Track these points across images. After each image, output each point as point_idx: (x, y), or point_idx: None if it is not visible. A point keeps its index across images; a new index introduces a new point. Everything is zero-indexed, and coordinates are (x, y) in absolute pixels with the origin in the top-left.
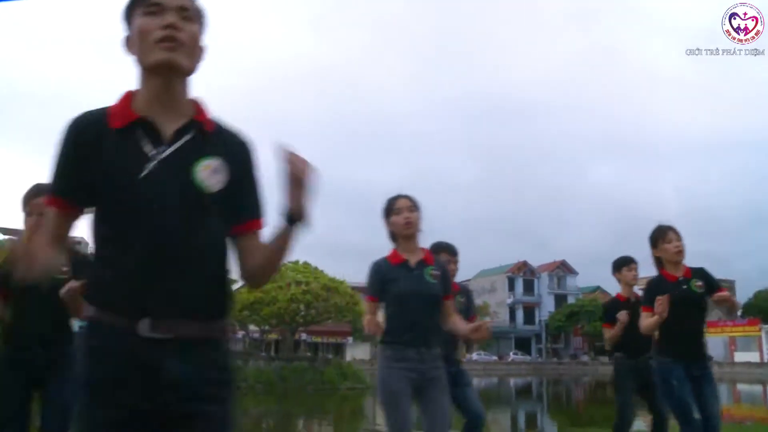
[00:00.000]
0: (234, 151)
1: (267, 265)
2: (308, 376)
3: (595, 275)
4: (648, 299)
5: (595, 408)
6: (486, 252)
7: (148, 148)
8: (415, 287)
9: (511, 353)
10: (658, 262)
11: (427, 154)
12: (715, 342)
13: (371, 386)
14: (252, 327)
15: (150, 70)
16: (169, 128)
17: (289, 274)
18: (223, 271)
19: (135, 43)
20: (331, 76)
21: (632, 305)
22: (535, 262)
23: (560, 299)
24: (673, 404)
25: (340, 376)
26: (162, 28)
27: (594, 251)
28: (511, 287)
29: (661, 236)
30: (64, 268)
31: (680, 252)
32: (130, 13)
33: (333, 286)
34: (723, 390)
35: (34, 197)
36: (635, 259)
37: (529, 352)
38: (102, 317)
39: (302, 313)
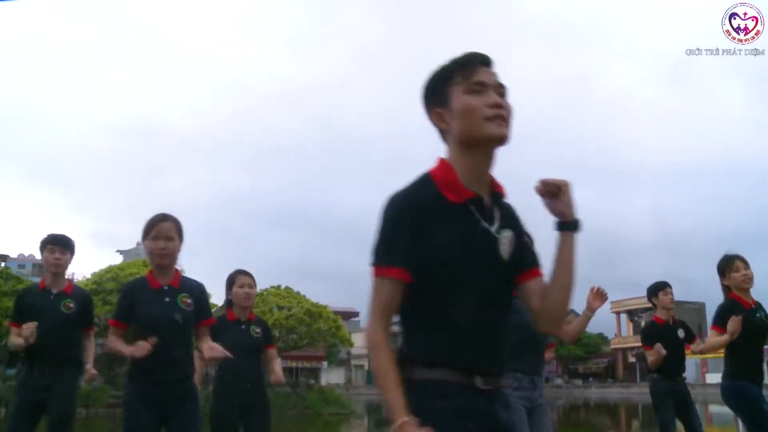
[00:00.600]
0: (511, 215)
1: (560, 288)
2: (291, 402)
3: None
4: (720, 320)
5: (571, 430)
6: None
7: (485, 225)
8: None
9: None
10: (726, 290)
11: (404, 176)
12: (687, 363)
13: (354, 411)
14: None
15: (478, 144)
16: (486, 201)
17: (271, 299)
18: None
19: (456, 118)
20: (307, 97)
21: (670, 328)
22: None
23: None
24: (758, 421)
25: (323, 401)
26: (490, 107)
27: None
28: None
29: (729, 266)
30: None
31: (748, 280)
32: (441, 90)
33: (316, 311)
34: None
35: (161, 222)
36: (669, 283)
37: None
38: (445, 377)
39: (283, 338)
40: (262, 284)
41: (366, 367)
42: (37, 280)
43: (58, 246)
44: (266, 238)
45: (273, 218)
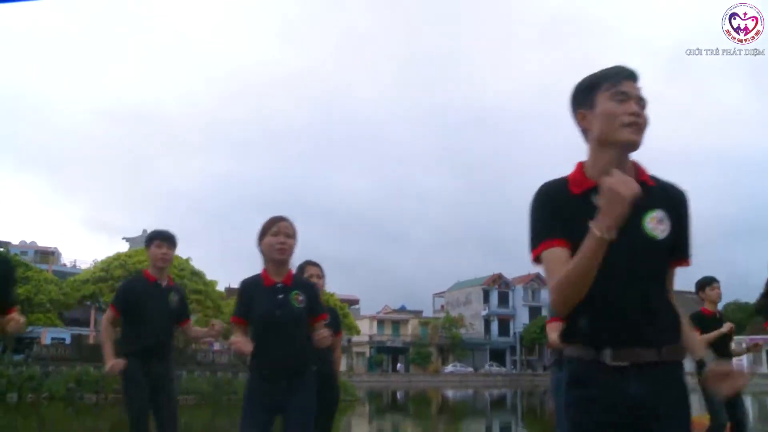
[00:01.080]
0: (673, 203)
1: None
2: None
3: None
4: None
5: None
6: (461, 264)
7: None
8: None
9: (486, 365)
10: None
11: (402, 164)
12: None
13: (359, 398)
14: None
15: (612, 146)
16: None
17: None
18: (664, 302)
19: (598, 120)
20: (304, 84)
21: (716, 320)
22: (509, 274)
23: (535, 311)
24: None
25: None
26: (629, 115)
27: None
28: (486, 299)
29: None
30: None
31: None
32: (589, 94)
33: (323, 300)
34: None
35: (281, 221)
36: (717, 278)
37: (503, 364)
38: (580, 353)
39: None
40: None
41: (367, 354)
42: (40, 267)
43: (165, 242)
44: (259, 224)
45: (268, 205)
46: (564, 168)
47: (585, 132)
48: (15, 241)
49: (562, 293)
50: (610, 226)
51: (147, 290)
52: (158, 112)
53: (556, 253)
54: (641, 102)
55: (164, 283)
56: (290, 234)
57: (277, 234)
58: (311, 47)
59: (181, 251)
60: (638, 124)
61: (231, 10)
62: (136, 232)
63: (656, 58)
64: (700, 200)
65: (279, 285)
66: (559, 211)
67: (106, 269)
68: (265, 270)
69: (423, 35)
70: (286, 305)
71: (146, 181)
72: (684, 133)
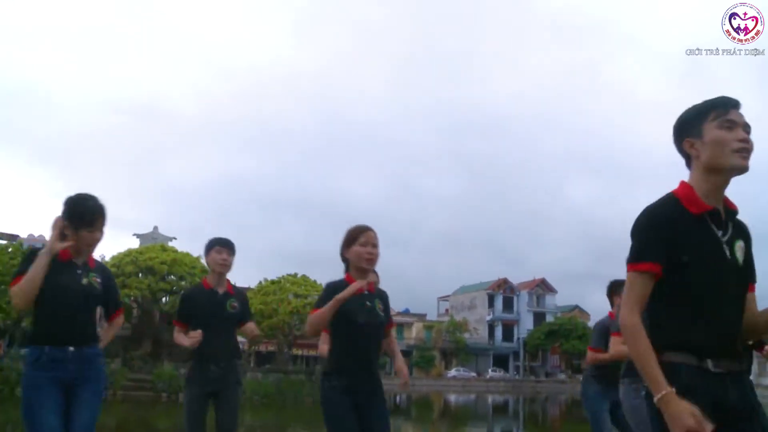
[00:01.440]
0: (742, 229)
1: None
2: (306, 389)
3: (573, 293)
4: None
5: (573, 426)
6: (466, 268)
7: (719, 234)
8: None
9: (489, 370)
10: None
11: (406, 165)
12: None
13: None
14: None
15: (721, 171)
16: (722, 215)
17: (288, 287)
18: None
19: (707, 148)
20: (310, 81)
21: None
22: (515, 279)
23: (539, 317)
24: None
25: None
26: (739, 141)
27: (571, 269)
28: (491, 304)
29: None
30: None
31: None
32: (696, 124)
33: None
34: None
35: (368, 230)
36: None
37: (506, 369)
38: (685, 360)
39: (298, 326)
40: (276, 273)
41: None
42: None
43: (226, 247)
44: (268, 222)
45: (276, 203)
46: (569, 174)
47: (690, 159)
48: (24, 235)
49: (627, 339)
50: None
51: (205, 298)
52: (169, 108)
53: (645, 279)
54: (747, 129)
55: (221, 290)
56: (376, 244)
57: (365, 244)
58: (321, 47)
59: (191, 248)
60: (747, 150)
61: (243, 6)
62: (146, 229)
63: (667, 61)
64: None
65: (365, 292)
66: (673, 230)
67: (117, 265)
68: (349, 276)
69: (428, 36)
70: (373, 312)
71: (156, 176)
72: None
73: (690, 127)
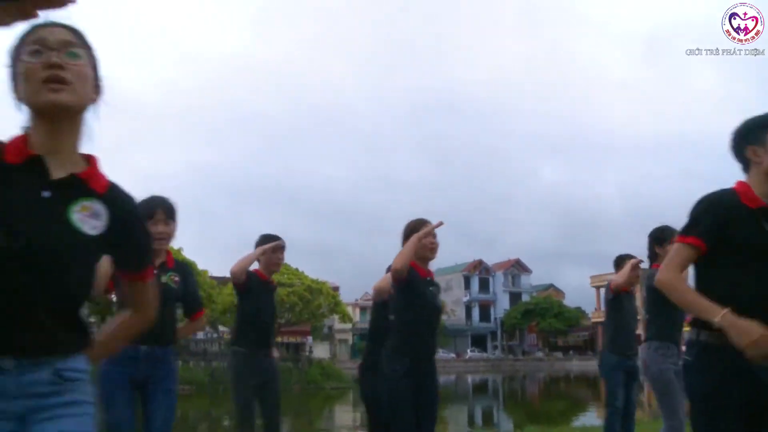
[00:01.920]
0: None
1: None
2: (294, 376)
3: (547, 272)
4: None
5: (552, 403)
6: (441, 251)
7: None
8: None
9: (468, 350)
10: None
11: (375, 150)
12: None
13: (353, 386)
14: (222, 328)
15: None
16: None
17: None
18: None
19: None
20: (278, 71)
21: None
22: (490, 260)
23: (515, 297)
24: None
25: (324, 375)
26: None
27: (544, 249)
28: (467, 285)
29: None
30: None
31: None
32: (759, 132)
33: (316, 288)
34: None
35: (427, 223)
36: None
37: (485, 349)
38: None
39: (284, 315)
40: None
41: (350, 342)
42: None
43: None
44: (235, 212)
45: (241, 192)
46: (539, 156)
47: (748, 164)
48: None
49: (670, 293)
50: (729, 332)
51: (263, 290)
52: (132, 98)
53: (688, 250)
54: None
55: (273, 284)
56: (436, 234)
57: (428, 235)
58: (284, 34)
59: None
60: None
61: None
62: None
63: (631, 43)
64: (670, 186)
65: (429, 278)
66: (726, 217)
67: None
68: (414, 264)
69: (393, 22)
70: (436, 298)
71: (121, 166)
72: (657, 119)
73: (753, 135)
